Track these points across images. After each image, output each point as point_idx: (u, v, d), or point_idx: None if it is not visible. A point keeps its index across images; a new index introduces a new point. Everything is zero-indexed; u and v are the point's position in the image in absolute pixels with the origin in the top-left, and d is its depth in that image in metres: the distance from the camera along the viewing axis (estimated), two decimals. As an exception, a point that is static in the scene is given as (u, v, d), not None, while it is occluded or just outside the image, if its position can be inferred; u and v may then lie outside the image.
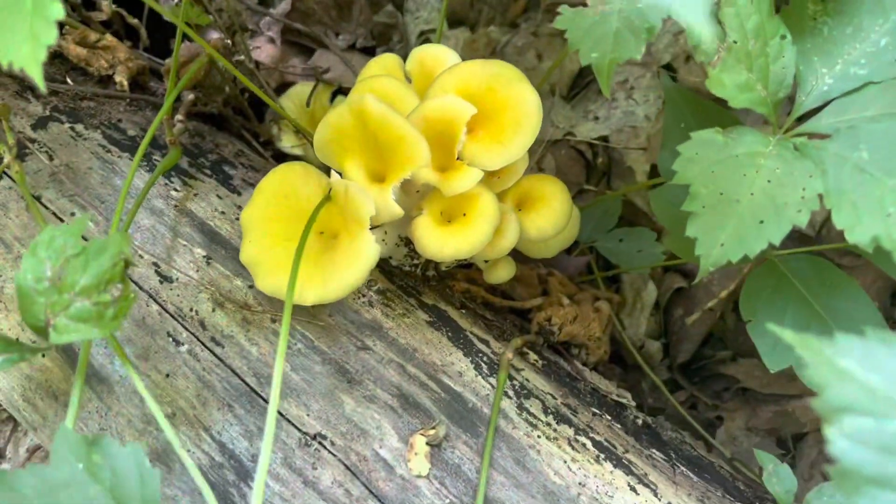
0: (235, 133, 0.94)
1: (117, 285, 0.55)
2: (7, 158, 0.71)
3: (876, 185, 0.54)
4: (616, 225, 0.94)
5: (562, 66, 1.11)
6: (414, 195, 0.73)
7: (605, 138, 1.04)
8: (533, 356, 0.81)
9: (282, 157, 0.99)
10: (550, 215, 0.75)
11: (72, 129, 0.80)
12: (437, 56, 0.79)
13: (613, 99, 1.06)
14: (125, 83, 0.86)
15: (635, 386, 1.03)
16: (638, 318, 1.02)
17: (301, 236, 0.64)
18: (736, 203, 0.55)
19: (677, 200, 0.63)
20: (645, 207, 1.01)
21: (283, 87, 1.02)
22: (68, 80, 0.86)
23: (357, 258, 0.66)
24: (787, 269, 0.66)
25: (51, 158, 0.77)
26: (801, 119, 0.62)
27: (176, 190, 0.78)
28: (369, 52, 1.08)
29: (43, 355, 0.69)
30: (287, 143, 0.98)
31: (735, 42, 0.59)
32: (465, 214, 0.70)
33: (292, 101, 0.99)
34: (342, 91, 1.00)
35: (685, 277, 1.04)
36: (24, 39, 0.44)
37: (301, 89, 1.00)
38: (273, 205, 0.71)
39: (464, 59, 0.92)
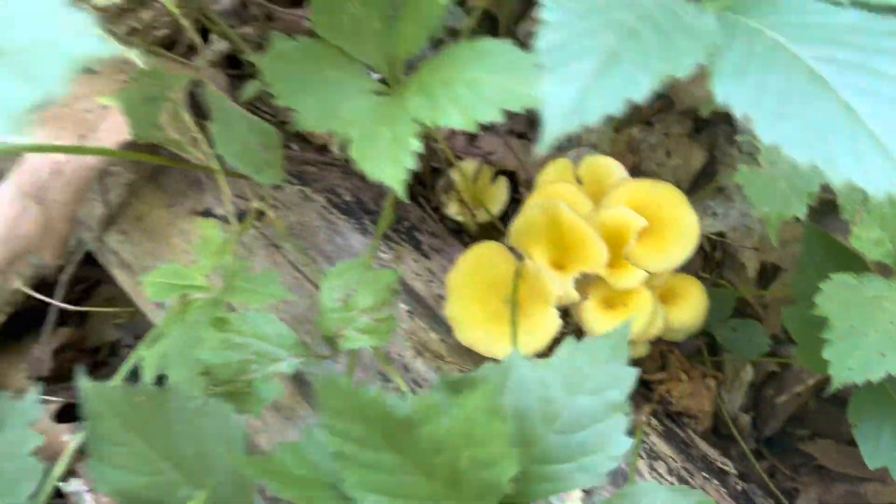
0: (415, 199, 1.12)
1: (388, 307, 0.73)
2: (269, 214, 0.89)
3: (978, 336, 0.69)
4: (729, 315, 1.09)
5: (686, 163, 1.27)
6: (582, 281, 0.90)
7: (721, 234, 1.20)
8: (654, 422, 0.97)
9: (443, 222, 1.17)
10: (691, 312, 0.91)
11: (301, 191, 0.99)
12: (605, 165, 0.96)
13: (731, 199, 1.22)
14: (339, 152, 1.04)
15: (725, 453, 1.18)
16: (735, 394, 1.17)
17: (512, 303, 0.82)
18: (864, 336, 0.71)
19: (809, 320, 0.79)
20: (752, 300, 1.16)
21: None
22: (293, 147, 1.05)
23: (542, 328, 0.83)
24: (892, 389, 0.81)
25: (277, 217, 0.96)
26: (919, 271, 0.77)
27: (383, 252, 0.96)
28: (525, 137, 1.25)
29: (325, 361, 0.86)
30: (452, 210, 1.15)
31: (874, 206, 0.74)
32: (625, 305, 0.87)
33: (461, 175, 1.16)
34: (504, 172, 1.17)
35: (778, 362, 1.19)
36: (388, 163, 0.61)
37: (468, 165, 1.17)
38: (472, 273, 0.89)
39: (606, 153, 1.09)
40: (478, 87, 0.63)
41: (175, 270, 0.77)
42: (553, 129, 0.46)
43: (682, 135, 1.29)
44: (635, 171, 1.16)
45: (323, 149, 1.06)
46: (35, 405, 0.64)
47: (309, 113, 0.67)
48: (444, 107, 0.63)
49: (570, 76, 0.47)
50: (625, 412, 0.54)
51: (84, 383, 0.59)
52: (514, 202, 1.17)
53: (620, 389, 0.55)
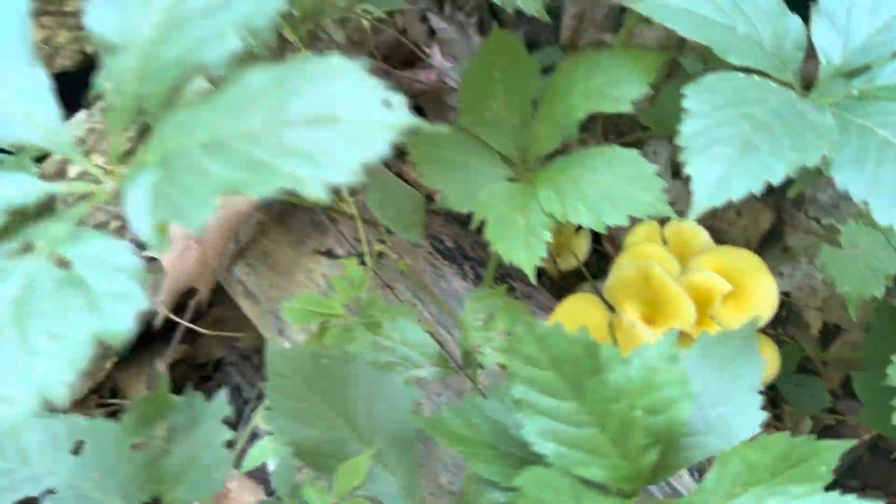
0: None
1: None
2: (391, 256, 0.99)
3: None
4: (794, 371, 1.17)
5: (755, 223, 1.36)
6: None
7: (786, 293, 1.28)
8: (723, 466, 1.05)
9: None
10: (764, 368, 0.99)
11: (411, 237, 1.09)
12: (690, 230, 1.06)
13: (798, 260, 1.30)
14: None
15: (782, 498, 1.25)
16: (794, 444, 1.24)
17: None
18: (931, 405, 0.79)
19: (878, 387, 0.87)
20: (813, 356, 1.24)
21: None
22: (401, 194, 1.15)
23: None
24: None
25: (399, 259, 1.07)
26: (983, 348, 0.85)
27: (484, 297, 1.06)
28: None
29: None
30: (537, 257, 1.25)
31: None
32: (707, 360, 0.96)
33: (547, 226, 1.26)
34: (586, 224, 1.27)
35: (834, 417, 1.27)
36: (521, 248, 0.71)
37: (553, 216, 1.27)
38: (569, 320, 0.98)
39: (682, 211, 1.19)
40: (605, 190, 0.72)
41: (315, 299, 0.88)
42: (701, 202, 0.56)
43: (751, 196, 1.38)
44: (708, 230, 1.25)
45: (428, 198, 1.16)
46: (225, 404, 0.73)
47: (452, 194, 0.77)
48: (573, 205, 0.73)
49: (713, 158, 0.57)
50: (758, 390, 0.63)
51: (272, 346, 0.68)
52: (595, 253, 1.27)
53: (753, 372, 0.63)
